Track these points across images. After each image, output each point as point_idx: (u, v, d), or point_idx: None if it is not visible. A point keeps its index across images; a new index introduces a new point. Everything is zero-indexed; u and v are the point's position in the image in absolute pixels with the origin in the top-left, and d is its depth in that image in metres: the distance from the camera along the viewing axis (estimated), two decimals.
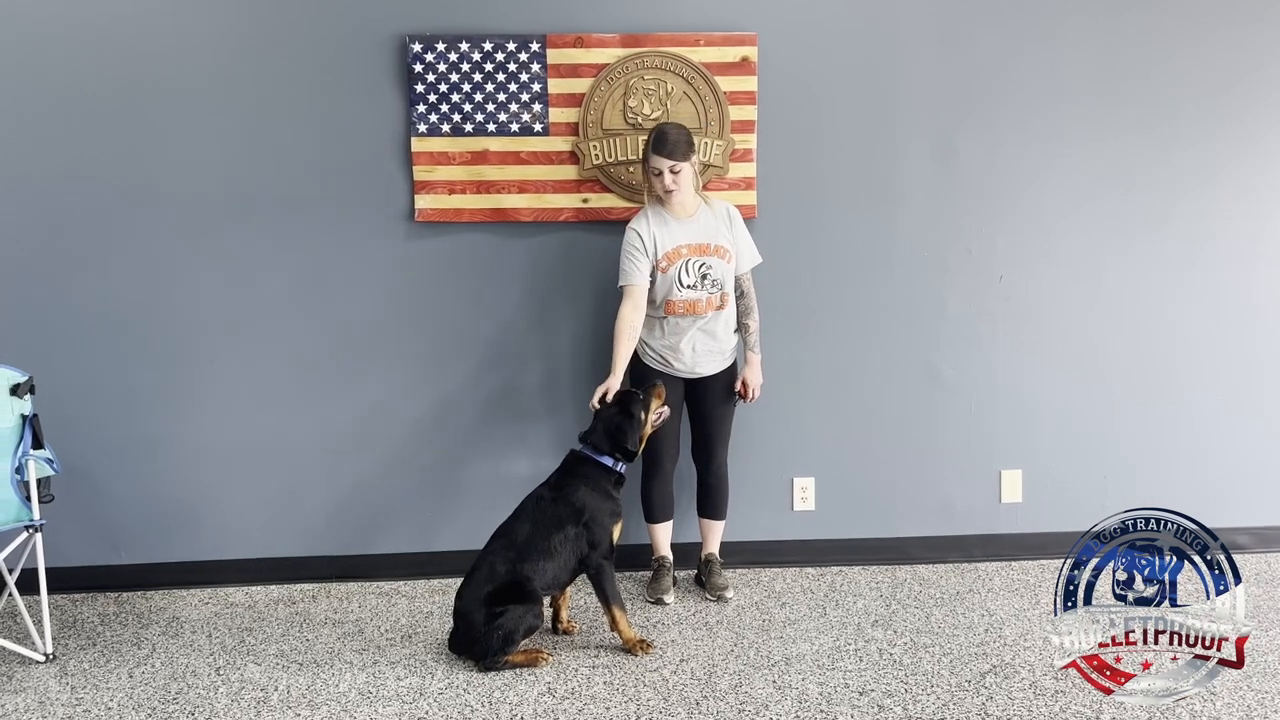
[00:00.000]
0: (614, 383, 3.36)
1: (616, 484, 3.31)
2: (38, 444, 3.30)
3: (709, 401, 3.60)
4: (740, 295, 3.58)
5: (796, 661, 3.13)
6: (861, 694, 2.92)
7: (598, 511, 3.23)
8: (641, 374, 3.55)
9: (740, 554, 3.89)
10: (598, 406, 3.34)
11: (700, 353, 3.51)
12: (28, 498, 3.25)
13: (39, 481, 3.29)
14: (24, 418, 3.27)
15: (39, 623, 3.26)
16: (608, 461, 3.29)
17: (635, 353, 3.51)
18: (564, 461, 3.35)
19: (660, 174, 3.37)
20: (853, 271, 3.87)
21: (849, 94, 3.79)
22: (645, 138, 3.46)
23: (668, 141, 3.35)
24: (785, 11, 3.72)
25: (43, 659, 3.21)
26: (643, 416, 3.31)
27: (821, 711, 2.82)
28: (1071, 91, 3.83)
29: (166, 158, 3.65)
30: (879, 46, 3.78)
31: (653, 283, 3.45)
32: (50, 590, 3.30)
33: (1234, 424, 4.02)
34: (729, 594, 3.63)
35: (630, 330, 3.40)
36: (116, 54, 3.60)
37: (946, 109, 3.81)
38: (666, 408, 3.39)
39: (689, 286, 3.45)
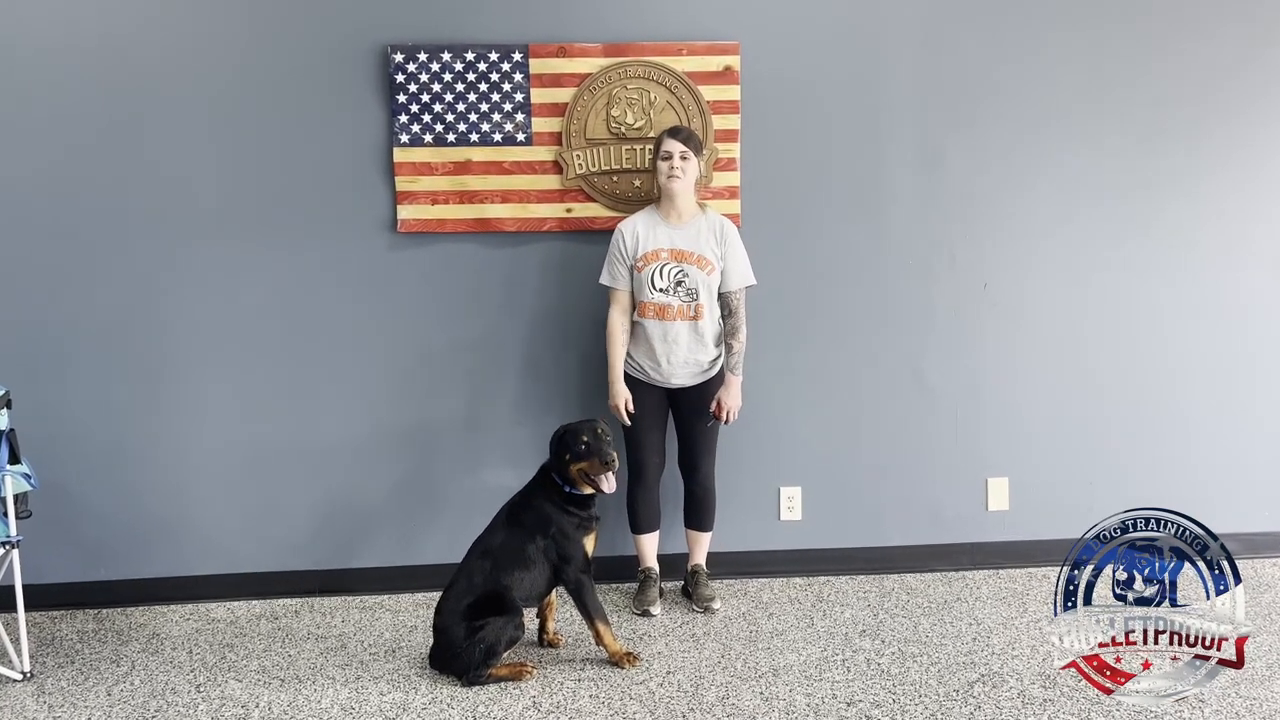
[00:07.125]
0: (613, 392, 3.51)
1: (569, 502, 3.19)
2: (15, 459, 3.26)
3: (690, 414, 3.58)
4: (728, 314, 3.54)
5: (784, 672, 3.11)
6: (849, 704, 2.90)
7: (563, 524, 3.18)
8: (629, 386, 3.54)
9: (727, 564, 3.87)
10: (626, 416, 3.51)
11: (675, 363, 3.49)
12: (4, 514, 3.21)
13: (16, 497, 3.25)
14: (1, 432, 3.23)
15: (16, 641, 3.21)
16: (558, 479, 3.22)
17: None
18: (537, 473, 3.32)
19: (670, 156, 3.42)
20: (838, 279, 3.87)
21: (833, 102, 3.79)
22: (631, 146, 3.52)
23: (683, 130, 3.49)
24: (768, 21, 3.73)
25: (20, 677, 3.17)
26: (567, 459, 3.16)
27: None
28: (1057, 98, 3.84)
29: (147, 169, 3.62)
30: (863, 55, 3.78)
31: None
32: (28, 607, 3.25)
33: (1222, 431, 4.03)
34: (716, 605, 3.61)
35: (619, 334, 3.51)
36: (98, 67, 3.57)
37: (931, 117, 3.82)
38: (610, 479, 3.16)
39: (660, 290, 3.44)
